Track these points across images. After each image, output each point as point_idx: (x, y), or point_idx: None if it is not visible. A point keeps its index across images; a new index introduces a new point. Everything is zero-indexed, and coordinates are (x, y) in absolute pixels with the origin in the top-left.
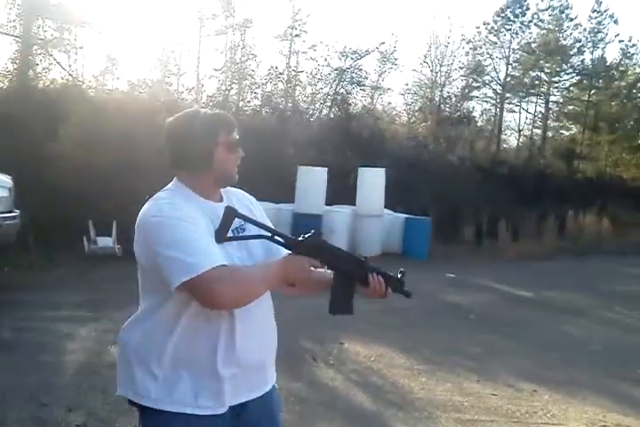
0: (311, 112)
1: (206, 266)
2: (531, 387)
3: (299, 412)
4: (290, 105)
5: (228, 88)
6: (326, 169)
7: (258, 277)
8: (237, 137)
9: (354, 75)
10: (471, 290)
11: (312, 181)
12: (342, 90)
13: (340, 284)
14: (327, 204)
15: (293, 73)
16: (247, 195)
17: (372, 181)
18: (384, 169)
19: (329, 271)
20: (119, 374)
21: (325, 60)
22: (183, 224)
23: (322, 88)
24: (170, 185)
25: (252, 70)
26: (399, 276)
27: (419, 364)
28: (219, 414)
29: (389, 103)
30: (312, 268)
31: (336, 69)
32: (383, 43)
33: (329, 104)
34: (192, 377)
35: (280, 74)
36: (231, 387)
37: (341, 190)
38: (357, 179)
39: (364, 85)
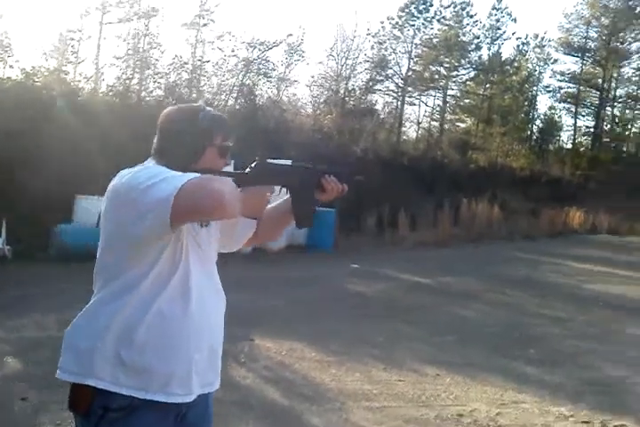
0: (217, 103)
1: (197, 174)
2: (433, 371)
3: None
4: (194, 95)
5: (130, 77)
6: (232, 161)
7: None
8: (231, 144)
9: (261, 66)
10: (374, 279)
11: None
12: (249, 81)
13: (299, 198)
14: None
15: (199, 63)
16: None
17: None
18: (290, 161)
19: (279, 201)
20: (67, 360)
21: (232, 50)
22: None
23: (228, 79)
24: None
25: (156, 59)
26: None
27: (328, 356)
28: (183, 403)
29: (294, 95)
30: (268, 194)
31: (243, 60)
32: (291, 35)
33: (235, 95)
34: (164, 362)
35: (185, 63)
36: (197, 374)
37: None
38: None
39: (270, 77)
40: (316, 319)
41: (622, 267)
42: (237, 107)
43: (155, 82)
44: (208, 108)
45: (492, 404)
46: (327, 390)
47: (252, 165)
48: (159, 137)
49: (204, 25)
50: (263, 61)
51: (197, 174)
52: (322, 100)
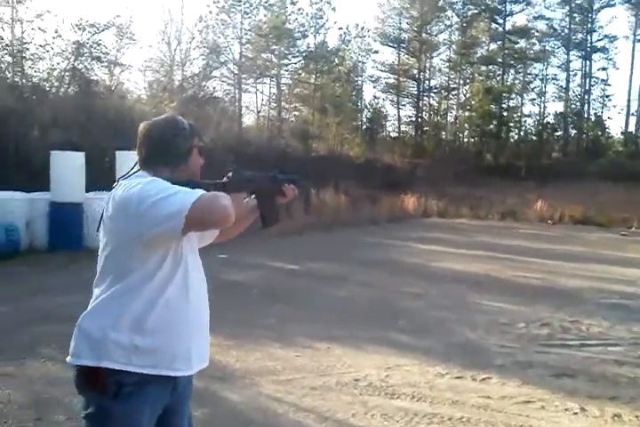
0: (49, 89)
1: (202, 191)
2: (324, 345)
3: None
4: (23, 81)
5: None
6: (83, 153)
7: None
8: (203, 144)
9: (93, 49)
10: (245, 268)
11: (68, 168)
12: (81, 65)
13: (265, 203)
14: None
15: (18, 44)
16: None
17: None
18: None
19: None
20: (80, 347)
21: (56, 31)
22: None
23: (58, 63)
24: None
25: None
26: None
27: (226, 340)
28: (185, 376)
29: (128, 80)
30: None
31: (74, 43)
32: (119, 16)
33: (67, 81)
34: (170, 344)
35: (7, 45)
36: (196, 352)
37: (98, 175)
38: (116, 162)
39: (104, 61)
40: None
41: (457, 246)
42: (71, 93)
43: None
44: (180, 117)
45: (380, 368)
46: (234, 370)
47: (229, 175)
48: (148, 146)
49: (19, 2)
50: (95, 44)
51: (202, 191)
52: (159, 87)
